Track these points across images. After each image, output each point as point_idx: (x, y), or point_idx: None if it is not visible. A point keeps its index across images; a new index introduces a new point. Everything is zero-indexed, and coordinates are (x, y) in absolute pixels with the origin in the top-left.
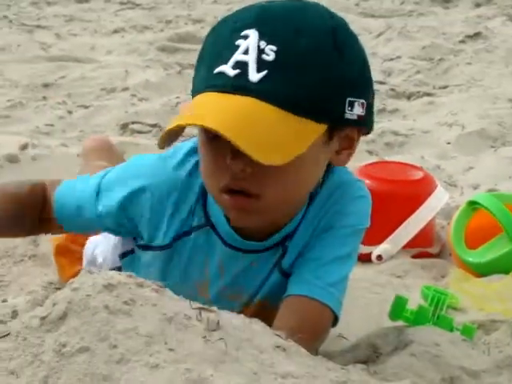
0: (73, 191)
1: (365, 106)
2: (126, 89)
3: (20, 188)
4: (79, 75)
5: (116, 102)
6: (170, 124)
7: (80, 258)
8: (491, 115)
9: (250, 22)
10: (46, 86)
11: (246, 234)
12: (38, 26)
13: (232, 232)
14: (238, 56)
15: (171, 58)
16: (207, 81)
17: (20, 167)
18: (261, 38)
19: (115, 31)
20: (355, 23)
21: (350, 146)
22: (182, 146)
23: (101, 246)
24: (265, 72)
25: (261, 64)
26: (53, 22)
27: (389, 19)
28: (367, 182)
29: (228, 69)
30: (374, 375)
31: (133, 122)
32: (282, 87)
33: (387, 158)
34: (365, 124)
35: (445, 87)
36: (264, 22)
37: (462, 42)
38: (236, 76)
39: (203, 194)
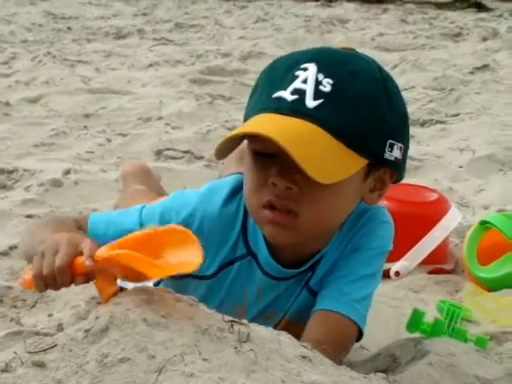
0: (109, 224)
1: (402, 150)
2: (160, 118)
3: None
4: (117, 106)
5: (151, 130)
6: (233, 132)
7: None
8: (500, 141)
9: (309, 57)
10: (86, 116)
11: (283, 261)
12: (79, 61)
13: (271, 260)
14: (296, 84)
15: (202, 89)
16: (263, 104)
17: (63, 191)
18: (319, 71)
19: (150, 65)
20: (371, 57)
21: (381, 188)
22: (220, 185)
23: None
24: (321, 100)
25: (317, 93)
26: (92, 58)
27: (403, 52)
28: (386, 203)
29: (286, 94)
30: (393, 383)
31: (167, 149)
32: (335, 117)
33: (404, 181)
34: (399, 168)
35: (456, 115)
36: (323, 59)
37: (471, 73)
38: (293, 101)
39: (243, 227)
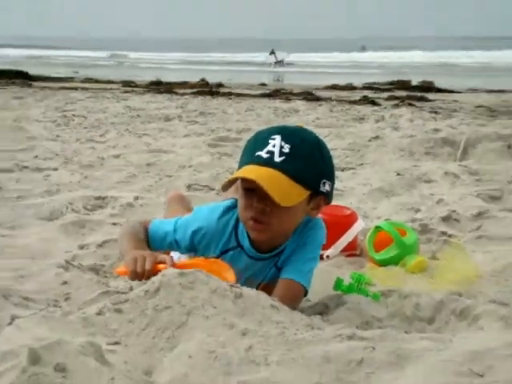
0: (159, 228)
1: (330, 185)
2: (190, 166)
3: (137, 228)
4: (166, 159)
5: (185, 173)
6: (231, 176)
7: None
8: (385, 180)
9: (276, 131)
10: (148, 165)
11: (259, 250)
12: (144, 134)
13: (252, 249)
14: (269, 147)
15: (214, 150)
16: (249, 159)
17: (135, 209)
18: (282, 139)
19: (185, 136)
20: (313, 131)
21: (318, 208)
22: (218, 206)
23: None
24: (283, 157)
25: (281, 153)
26: (152, 132)
27: (330, 128)
28: (321, 215)
29: (263, 153)
30: (326, 321)
31: (194, 184)
32: (292, 168)
33: (332, 203)
34: (328, 196)
35: (361, 165)
36: (284, 133)
37: (369, 141)
38: (267, 158)
39: (236, 229)
